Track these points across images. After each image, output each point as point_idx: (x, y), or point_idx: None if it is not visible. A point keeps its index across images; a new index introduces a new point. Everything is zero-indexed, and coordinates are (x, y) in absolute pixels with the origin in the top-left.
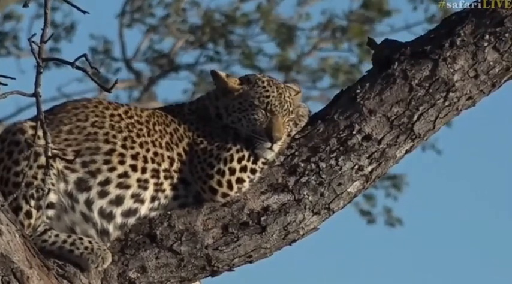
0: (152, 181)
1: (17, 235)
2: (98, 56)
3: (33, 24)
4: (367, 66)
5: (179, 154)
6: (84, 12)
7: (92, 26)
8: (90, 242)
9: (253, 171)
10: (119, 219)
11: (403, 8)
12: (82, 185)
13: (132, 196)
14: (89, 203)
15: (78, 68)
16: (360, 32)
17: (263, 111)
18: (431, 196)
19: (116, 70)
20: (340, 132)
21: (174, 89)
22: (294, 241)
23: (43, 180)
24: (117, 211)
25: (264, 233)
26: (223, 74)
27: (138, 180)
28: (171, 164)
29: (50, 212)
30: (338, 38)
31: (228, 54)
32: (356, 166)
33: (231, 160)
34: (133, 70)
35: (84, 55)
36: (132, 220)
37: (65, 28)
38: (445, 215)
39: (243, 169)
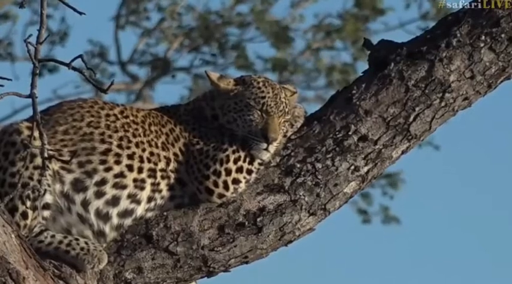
0: (149, 181)
1: (13, 236)
2: (93, 60)
3: (27, 31)
4: (361, 64)
5: (175, 154)
6: (80, 13)
7: (86, 29)
8: (86, 243)
9: (249, 172)
10: (115, 220)
11: (397, 6)
12: (78, 185)
13: (129, 196)
14: (85, 204)
15: (74, 68)
16: (355, 29)
17: (259, 112)
18: (428, 193)
19: (111, 75)
20: (336, 133)
21: (170, 93)
22: (290, 241)
23: (39, 181)
24: (114, 211)
25: (260, 234)
26: (215, 75)
27: (135, 180)
28: (168, 164)
29: (46, 213)
30: (332, 37)
31: (223, 57)
32: (352, 167)
33: (227, 161)
34: (128, 73)
35: (81, 56)
36: (128, 221)
37: (59, 33)
38: (443, 213)
39: (239, 170)
